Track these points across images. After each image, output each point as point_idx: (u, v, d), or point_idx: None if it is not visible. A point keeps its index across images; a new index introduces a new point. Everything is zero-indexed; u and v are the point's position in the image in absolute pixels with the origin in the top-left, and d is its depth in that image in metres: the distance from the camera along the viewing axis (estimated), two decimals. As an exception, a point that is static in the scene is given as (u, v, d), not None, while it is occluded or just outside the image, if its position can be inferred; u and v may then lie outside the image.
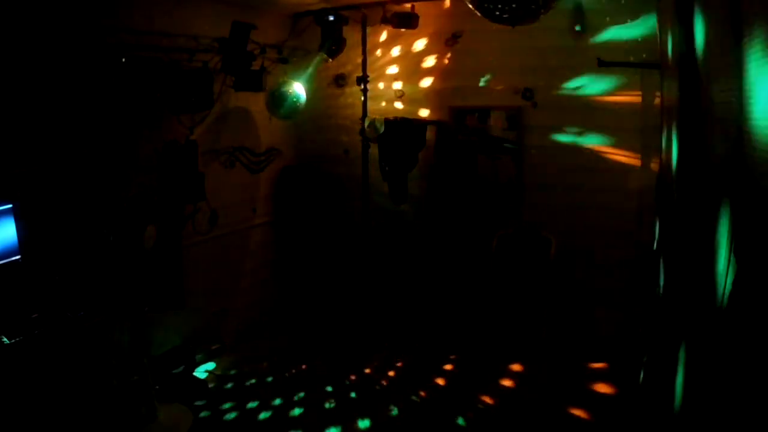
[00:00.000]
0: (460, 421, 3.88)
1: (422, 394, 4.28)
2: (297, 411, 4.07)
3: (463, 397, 4.19)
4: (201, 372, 4.64)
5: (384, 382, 4.48)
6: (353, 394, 4.29)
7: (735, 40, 1.38)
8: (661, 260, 2.80)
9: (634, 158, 4.55)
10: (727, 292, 1.30)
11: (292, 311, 5.77)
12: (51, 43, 3.49)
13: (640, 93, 4.47)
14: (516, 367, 4.57)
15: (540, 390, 4.25)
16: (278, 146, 5.61)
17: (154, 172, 4.27)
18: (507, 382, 4.38)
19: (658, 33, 3.71)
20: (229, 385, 4.45)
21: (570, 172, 4.85)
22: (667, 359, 2.18)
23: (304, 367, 4.76)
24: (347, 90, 5.80)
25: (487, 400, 4.13)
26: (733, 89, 1.41)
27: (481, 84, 5.15)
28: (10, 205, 3.29)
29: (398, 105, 5.60)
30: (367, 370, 4.66)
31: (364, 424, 3.88)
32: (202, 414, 4.01)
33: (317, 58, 5.33)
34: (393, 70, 5.60)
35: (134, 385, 3.91)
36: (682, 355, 1.83)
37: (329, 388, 4.37)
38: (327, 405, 4.13)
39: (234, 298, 5.29)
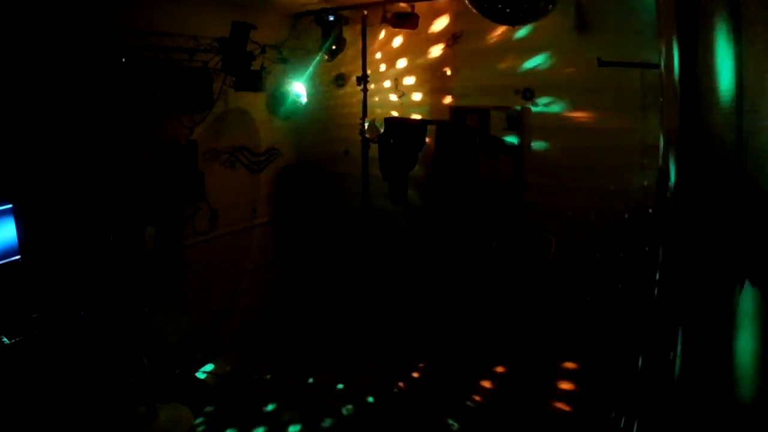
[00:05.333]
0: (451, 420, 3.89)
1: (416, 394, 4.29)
2: (297, 411, 4.07)
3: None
4: (201, 372, 4.63)
5: (382, 386, 4.48)
6: (354, 398, 4.29)
7: (735, 42, 1.38)
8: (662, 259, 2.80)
9: (634, 158, 4.54)
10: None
11: (293, 311, 5.77)
12: (51, 44, 3.49)
13: (640, 93, 4.47)
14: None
15: (539, 392, 4.25)
16: (278, 146, 5.62)
17: (154, 172, 4.27)
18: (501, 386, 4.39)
19: (658, 33, 3.71)
20: (229, 386, 4.44)
21: (570, 172, 4.85)
22: (664, 359, 2.18)
23: (304, 367, 4.75)
24: (347, 90, 5.80)
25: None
26: (733, 90, 1.41)
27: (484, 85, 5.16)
28: (10, 205, 3.29)
29: (398, 105, 5.60)
30: (368, 375, 4.67)
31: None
32: (202, 414, 4.01)
33: (317, 58, 5.34)
34: (393, 69, 5.60)
35: (134, 385, 3.92)
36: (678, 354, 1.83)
37: (330, 390, 4.38)
38: (327, 408, 4.14)
39: (234, 298, 5.29)
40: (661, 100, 2.33)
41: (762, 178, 1.17)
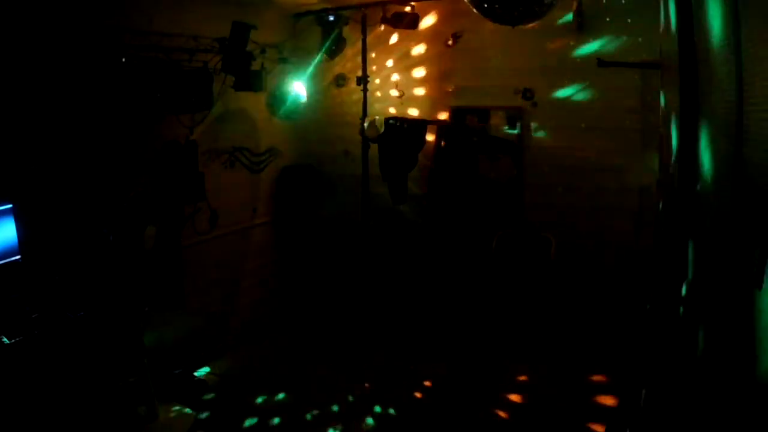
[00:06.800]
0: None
1: (418, 395, 4.29)
2: (298, 411, 4.07)
3: (462, 403, 4.20)
4: (201, 372, 4.63)
5: (382, 385, 4.48)
6: (353, 398, 4.29)
7: (735, 40, 1.38)
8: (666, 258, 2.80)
9: (634, 158, 4.55)
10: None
11: (293, 311, 5.76)
12: (52, 44, 3.49)
13: (640, 93, 4.47)
14: (520, 370, 4.57)
15: (541, 394, 4.25)
16: (278, 146, 5.62)
17: (154, 172, 4.27)
18: (506, 389, 4.39)
19: (658, 32, 3.71)
20: (229, 385, 4.44)
21: (570, 172, 4.84)
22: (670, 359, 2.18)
23: (305, 367, 4.75)
24: (347, 90, 5.80)
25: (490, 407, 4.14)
26: (734, 89, 1.41)
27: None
28: (10, 205, 3.29)
29: (398, 105, 5.59)
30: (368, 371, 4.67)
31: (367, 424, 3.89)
32: (202, 414, 4.01)
33: (317, 58, 5.34)
34: (393, 69, 5.60)
35: (134, 385, 3.92)
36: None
37: (330, 390, 4.38)
38: (332, 407, 4.14)
39: (234, 298, 5.29)
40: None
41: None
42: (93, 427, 3.55)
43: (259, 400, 4.21)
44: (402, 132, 5.11)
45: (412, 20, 4.97)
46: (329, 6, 5.15)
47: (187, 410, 3.99)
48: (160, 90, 4.02)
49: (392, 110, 5.57)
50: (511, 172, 5.13)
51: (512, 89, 5.02)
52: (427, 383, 4.44)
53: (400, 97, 5.58)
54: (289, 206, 5.76)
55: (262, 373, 4.65)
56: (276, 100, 5.33)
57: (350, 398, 4.22)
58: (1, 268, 3.25)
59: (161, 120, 4.29)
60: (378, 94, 5.64)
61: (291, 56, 5.50)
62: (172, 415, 3.91)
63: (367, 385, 4.42)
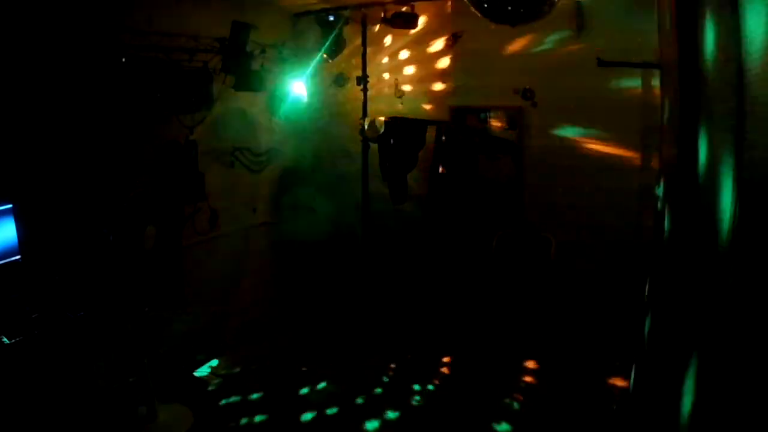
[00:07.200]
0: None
1: (419, 396, 4.29)
2: (298, 411, 4.07)
3: (464, 399, 4.21)
4: (201, 372, 4.64)
5: (384, 384, 4.48)
6: (355, 398, 4.29)
7: (736, 43, 1.38)
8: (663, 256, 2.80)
9: (634, 158, 4.55)
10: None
11: (293, 311, 5.77)
12: (51, 44, 3.49)
13: (640, 93, 4.47)
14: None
15: (542, 393, 4.25)
16: (278, 146, 5.62)
17: (154, 172, 4.27)
18: (506, 388, 4.39)
19: (658, 32, 3.71)
20: (230, 385, 4.44)
21: (570, 172, 4.85)
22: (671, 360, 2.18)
23: (304, 368, 4.75)
24: (347, 90, 5.80)
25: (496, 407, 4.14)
26: (733, 89, 1.42)
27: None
28: (10, 205, 3.29)
29: (398, 105, 5.60)
30: (368, 371, 4.67)
31: (372, 425, 3.89)
32: (202, 414, 4.00)
33: (317, 58, 5.34)
34: (393, 69, 5.61)
35: (134, 385, 3.92)
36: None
37: (330, 390, 4.38)
38: (329, 409, 4.14)
39: (234, 298, 5.29)
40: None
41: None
42: (93, 427, 3.55)
43: (259, 400, 4.21)
44: (402, 132, 5.12)
45: (412, 20, 4.98)
46: (329, 6, 5.16)
47: (187, 410, 3.99)
48: (160, 90, 4.02)
49: (392, 110, 5.58)
50: (511, 172, 5.13)
51: (512, 89, 5.02)
52: (428, 383, 4.44)
53: (400, 96, 5.58)
54: (290, 206, 5.76)
55: (262, 374, 4.65)
56: (276, 100, 5.33)
57: (352, 399, 4.22)
58: (1, 268, 3.25)
59: (161, 120, 4.29)
60: (378, 93, 5.65)
61: (291, 56, 5.50)
62: (172, 415, 3.91)
63: (367, 385, 4.42)
